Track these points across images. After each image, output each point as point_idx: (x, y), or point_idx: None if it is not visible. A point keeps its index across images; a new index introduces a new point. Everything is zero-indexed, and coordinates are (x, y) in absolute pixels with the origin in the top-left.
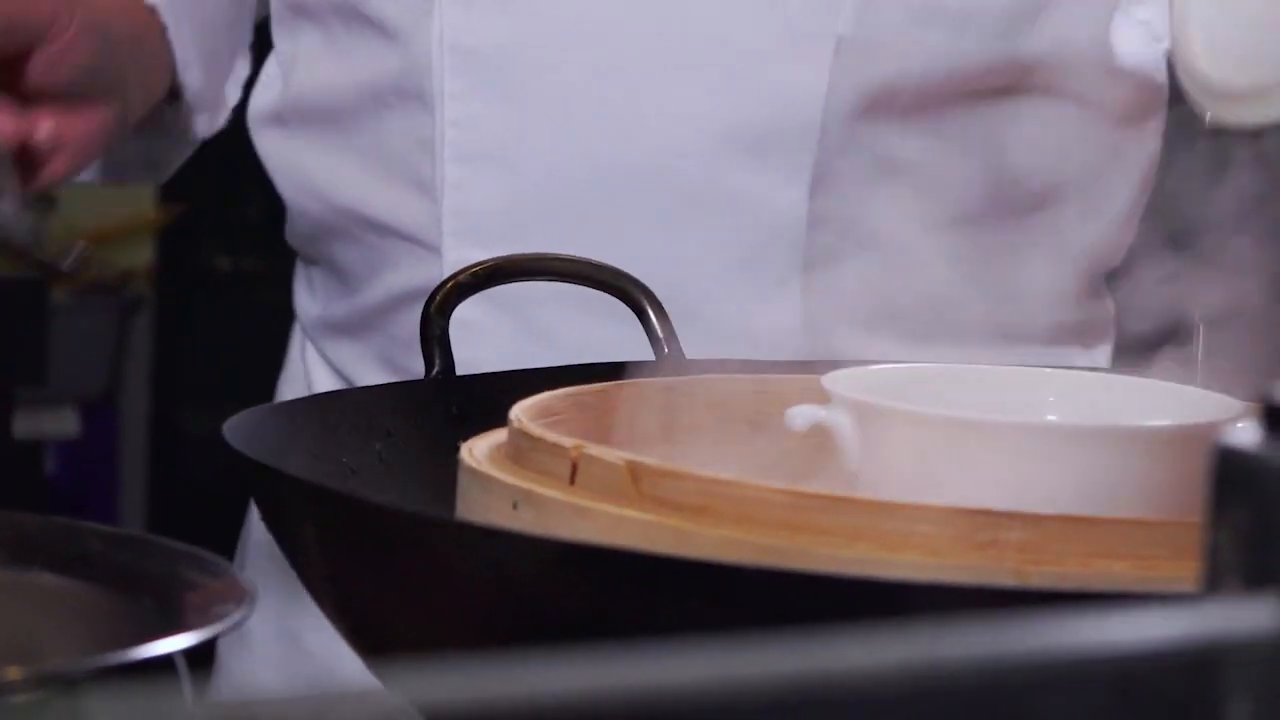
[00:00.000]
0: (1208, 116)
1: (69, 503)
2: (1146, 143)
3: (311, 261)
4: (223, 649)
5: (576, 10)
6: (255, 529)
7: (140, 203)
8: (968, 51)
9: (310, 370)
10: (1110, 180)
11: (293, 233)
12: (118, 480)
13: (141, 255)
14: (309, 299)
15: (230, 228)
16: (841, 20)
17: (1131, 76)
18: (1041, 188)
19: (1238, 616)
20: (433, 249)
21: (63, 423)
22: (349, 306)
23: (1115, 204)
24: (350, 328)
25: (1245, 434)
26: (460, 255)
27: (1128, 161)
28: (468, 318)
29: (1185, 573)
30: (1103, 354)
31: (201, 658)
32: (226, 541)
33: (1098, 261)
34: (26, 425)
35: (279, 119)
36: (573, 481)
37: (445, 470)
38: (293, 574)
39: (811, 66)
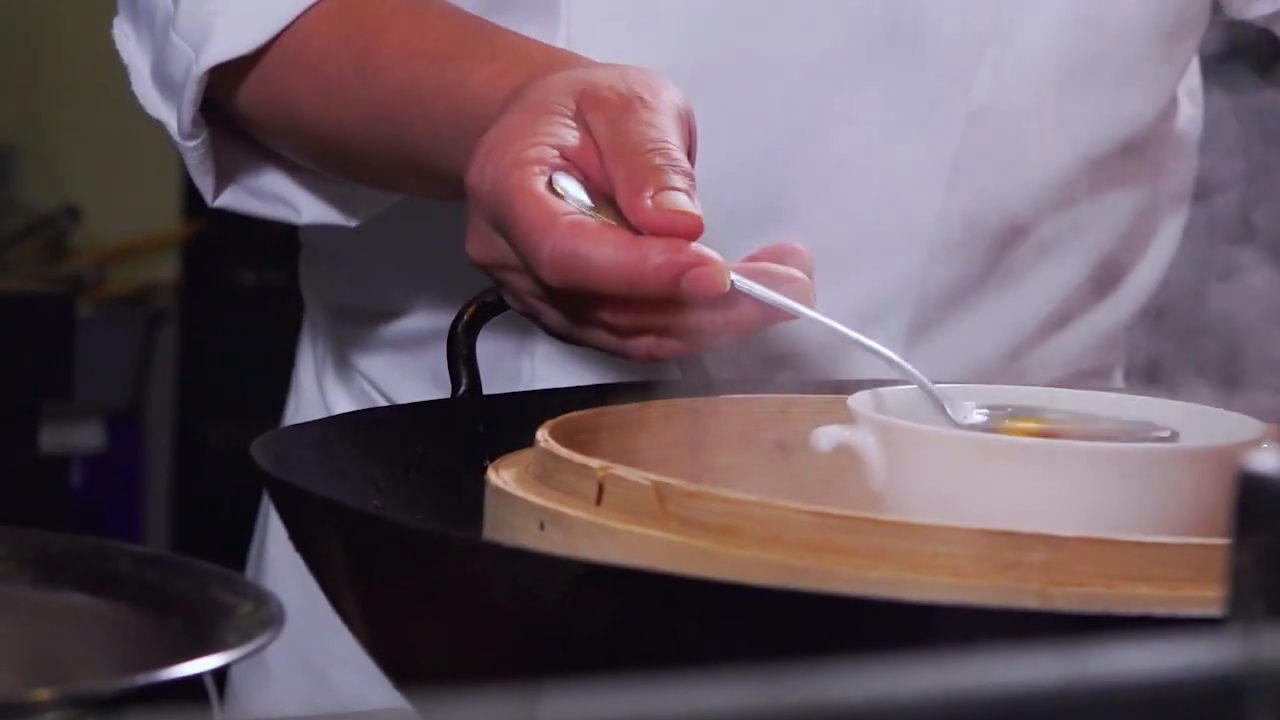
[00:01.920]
0: None
1: (94, 515)
2: (1182, 209)
3: (362, 273)
4: (236, 675)
5: (705, 89)
6: (272, 548)
7: (165, 216)
8: (1095, 123)
9: (327, 395)
10: (1158, 248)
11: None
12: (143, 493)
13: (166, 269)
14: (342, 313)
15: (254, 241)
16: (977, 89)
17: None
18: (1132, 262)
19: (1263, 644)
20: None
21: (88, 436)
22: (407, 322)
23: (1161, 268)
24: (403, 343)
25: (1268, 458)
26: None
27: (1172, 227)
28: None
29: (1209, 594)
30: (1116, 376)
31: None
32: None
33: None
34: (53, 439)
35: None
36: (599, 502)
37: (472, 490)
38: (309, 595)
39: (943, 134)
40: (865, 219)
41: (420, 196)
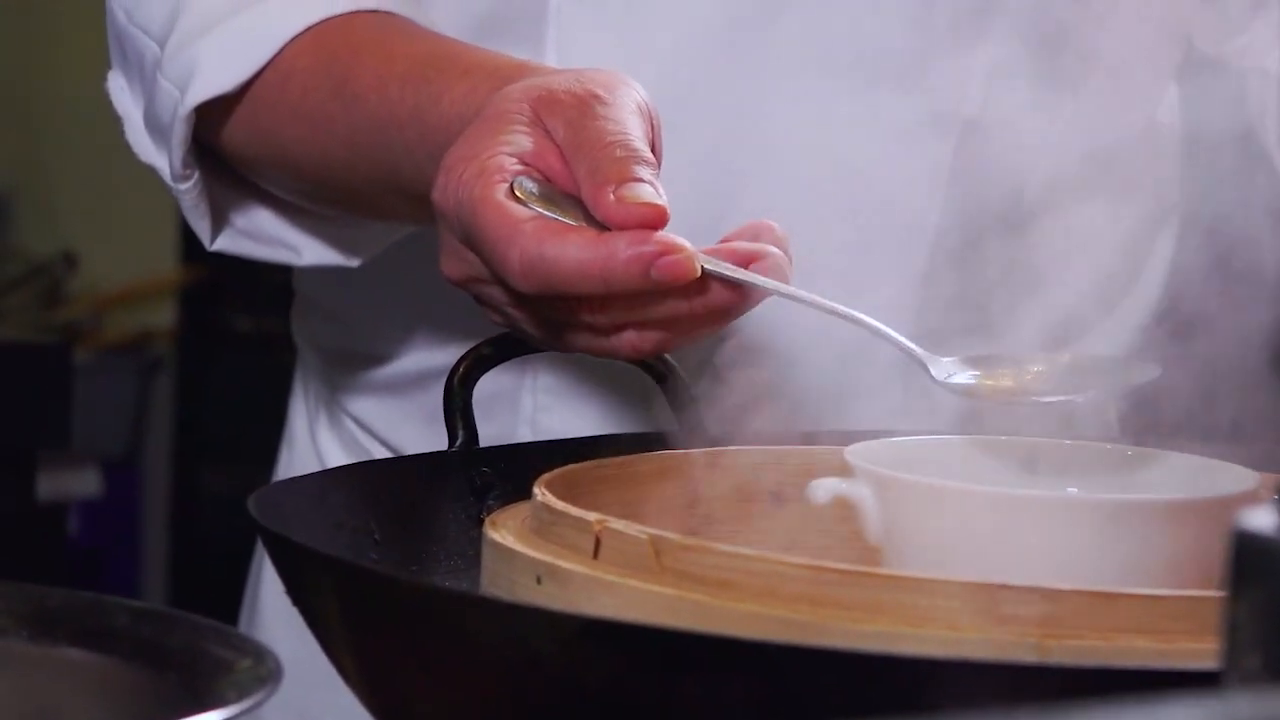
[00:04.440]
0: None
1: (91, 562)
2: (1171, 229)
3: (352, 318)
4: None
5: (697, 102)
6: (265, 595)
7: (161, 263)
8: (1085, 132)
9: (320, 446)
10: (1153, 266)
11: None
12: (141, 539)
13: (163, 315)
14: (335, 359)
15: (251, 288)
16: (969, 102)
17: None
18: (1131, 278)
19: (1258, 697)
20: None
21: (86, 483)
22: (401, 365)
23: (1155, 291)
24: (397, 386)
25: (1262, 515)
26: None
27: (1163, 247)
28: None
29: (1205, 647)
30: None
31: None
32: None
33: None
34: (50, 486)
35: None
36: (596, 555)
37: (470, 542)
38: (303, 643)
39: (940, 142)
40: (863, 230)
41: (413, 223)
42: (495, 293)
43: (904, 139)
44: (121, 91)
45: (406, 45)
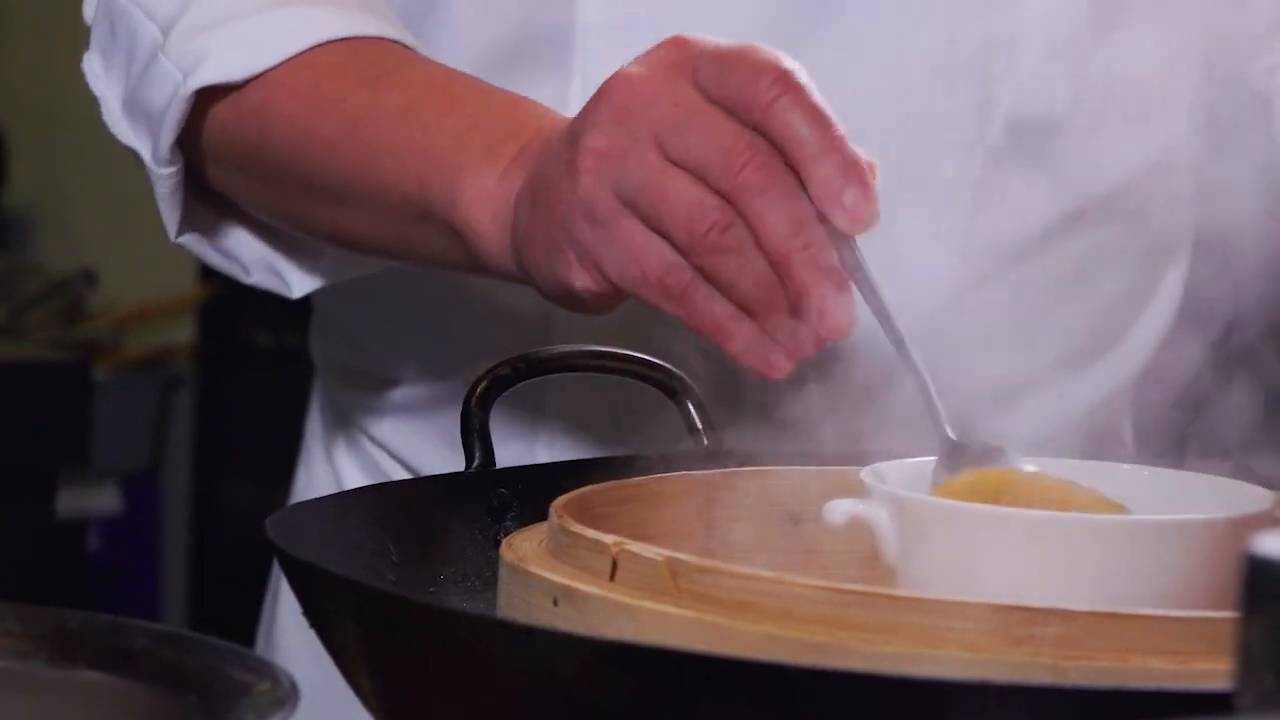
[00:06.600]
0: None
1: (111, 579)
2: (1183, 259)
3: (370, 340)
4: None
5: None
6: (282, 615)
7: (181, 280)
8: (1102, 164)
9: (338, 467)
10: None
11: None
12: (160, 556)
13: (182, 332)
14: (352, 379)
15: (270, 304)
16: (993, 131)
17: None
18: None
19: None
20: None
21: (106, 500)
22: (418, 385)
23: (1169, 311)
24: (415, 407)
25: (1276, 539)
26: None
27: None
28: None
29: (1221, 668)
30: (1125, 433)
31: None
32: None
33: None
34: (70, 503)
35: None
36: (613, 578)
37: (487, 563)
38: (320, 663)
39: (962, 174)
40: (888, 257)
41: (340, 244)
42: (647, 157)
43: (927, 172)
44: (95, 76)
45: (455, 72)
